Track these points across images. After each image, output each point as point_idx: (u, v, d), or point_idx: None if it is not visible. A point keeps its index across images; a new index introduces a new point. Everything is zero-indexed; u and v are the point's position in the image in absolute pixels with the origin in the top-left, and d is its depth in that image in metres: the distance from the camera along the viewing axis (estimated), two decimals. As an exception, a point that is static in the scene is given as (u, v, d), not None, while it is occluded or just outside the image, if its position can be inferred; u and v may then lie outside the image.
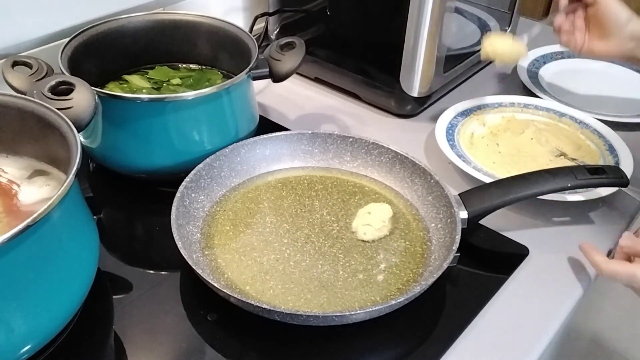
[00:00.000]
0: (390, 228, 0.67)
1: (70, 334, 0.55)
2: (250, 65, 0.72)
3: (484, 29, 0.99)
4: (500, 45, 0.81)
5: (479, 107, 0.89)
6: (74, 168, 0.49)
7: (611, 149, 0.81)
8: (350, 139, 0.75)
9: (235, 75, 0.71)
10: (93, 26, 0.76)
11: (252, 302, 0.53)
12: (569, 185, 0.65)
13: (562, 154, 0.81)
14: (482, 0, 0.97)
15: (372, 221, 0.66)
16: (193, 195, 0.67)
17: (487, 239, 0.69)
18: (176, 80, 0.81)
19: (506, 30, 1.03)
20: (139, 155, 0.70)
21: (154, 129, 0.68)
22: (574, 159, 0.80)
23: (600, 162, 0.79)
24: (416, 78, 0.85)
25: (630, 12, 0.74)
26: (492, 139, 0.83)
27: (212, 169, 0.70)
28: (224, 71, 0.84)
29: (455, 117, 0.86)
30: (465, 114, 0.87)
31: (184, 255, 0.57)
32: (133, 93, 0.77)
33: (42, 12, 0.76)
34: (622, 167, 0.75)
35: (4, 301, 0.46)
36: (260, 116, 0.82)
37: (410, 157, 0.72)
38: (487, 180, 0.72)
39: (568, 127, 0.87)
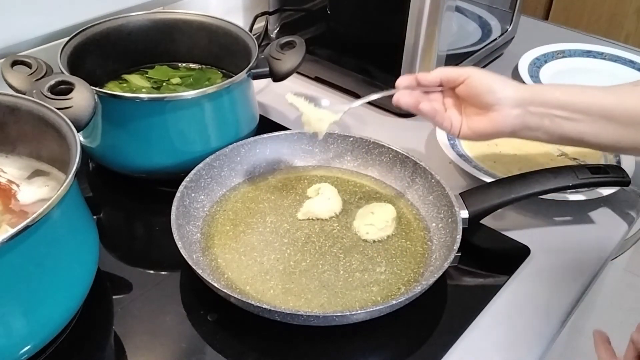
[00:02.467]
0: (394, 229, 0.67)
1: (70, 334, 0.55)
2: (251, 64, 0.72)
3: (485, 27, 0.99)
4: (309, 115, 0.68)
5: None
6: (74, 168, 0.49)
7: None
8: (351, 139, 0.75)
9: (235, 74, 0.71)
10: (92, 25, 0.76)
11: (253, 302, 0.53)
12: (571, 184, 0.65)
13: (564, 154, 0.81)
14: (483, -1, 0.97)
15: (375, 221, 0.66)
16: (193, 195, 0.67)
17: (488, 238, 0.69)
18: (176, 80, 0.81)
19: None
20: (139, 155, 0.70)
21: (154, 129, 0.68)
22: (575, 159, 0.80)
23: (602, 162, 0.79)
24: (417, 77, 0.85)
25: (502, 80, 0.62)
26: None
27: (212, 169, 0.70)
28: (224, 70, 0.84)
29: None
30: None
31: (184, 255, 0.57)
32: (133, 92, 0.77)
33: (41, 12, 0.75)
34: (624, 166, 0.75)
35: (4, 301, 0.46)
36: (261, 115, 0.81)
37: (411, 157, 0.71)
38: (488, 179, 0.71)
39: None
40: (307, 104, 0.67)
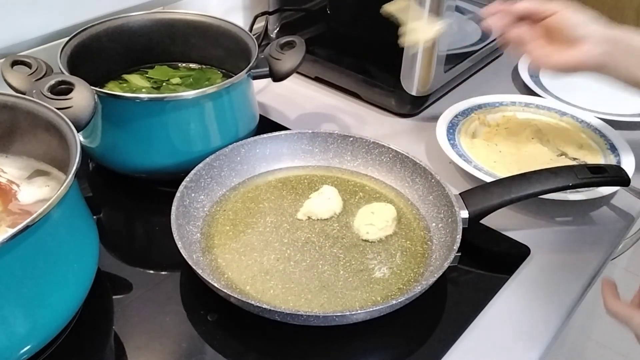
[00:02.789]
0: (394, 229, 0.67)
1: (70, 334, 0.55)
2: (250, 64, 0.72)
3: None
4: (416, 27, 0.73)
5: (480, 107, 0.88)
6: (74, 168, 0.49)
7: (612, 148, 0.81)
8: (351, 138, 0.75)
9: (235, 74, 0.71)
10: (92, 25, 0.76)
11: (253, 302, 0.53)
12: (570, 184, 0.65)
13: (563, 154, 0.81)
14: (482, -1, 0.97)
15: (375, 221, 0.66)
16: (193, 195, 0.67)
17: (488, 238, 0.69)
18: (176, 80, 0.81)
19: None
20: (139, 155, 0.70)
21: (154, 129, 0.68)
22: (575, 159, 0.80)
23: (602, 162, 0.79)
24: (417, 77, 0.85)
25: (591, 16, 0.64)
26: (493, 139, 0.83)
27: (212, 169, 0.70)
28: (223, 70, 0.84)
29: (456, 117, 0.85)
30: (465, 113, 0.87)
31: (184, 255, 0.57)
32: (133, 92, 0.77)
33: (41, 12, 0.75)
34: (624, 166, 0.75)
35: (4, 301, 0.46)
36: (260, 115, 0.81)
37: (410, 157, 0.71)
38: (488, 179, 0.71)
39: (569, 127, 0.87)
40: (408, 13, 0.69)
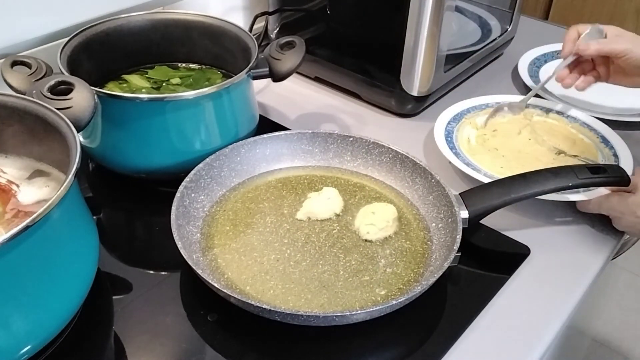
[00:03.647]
0: (395, 229, 0.67)
1: (70, 334, 0.55)
2: (250, 64, 0.72)
3: (485, 27, 0.99)
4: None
5: (477, 108, 0.88)
6: (74, 168, 0.49)
7: (605, 141, 0.82)
8: (351, 139, 0.75)
9: (235, 74, 0.71)
10: (92, 26, 0.76)
11: (253, 302, 0.53)
12: (570, 184, 0.65)
13: (561, 152, 0.81)
14: (482, -1, 0.97)
15: (375, 221, 0.66)
16: (193, 195, 0.67)
17: (488, 238, 0.69)
18: (176, 80, 0.81)
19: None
20: (139, 155, 0.70)
21: (154, 129, 0.68)
22: (575, 156, 0.80)
23: (598, 156, 0.80)
24: (416, 77, 0.85)
25: None
26: (490, 142, 0.83)
27: (212, 169, 0.70)
28: (223, 71, 0.84)
29: (454, 117, 0.85)
30: (463, 114, 0.87)
31: (184, 255, 0.57)
32: (133, 93, 0.77)
33: (41, 12, 0.75)
34: (623, 165, 0.75)
35: (4, 301, 0.46)
36: (260, 116, 0.81)
37: (410, 157, 0.71)
38: (487, 180, 0.71)
39: (557, 122, 0.87)
40: None
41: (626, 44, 0.76)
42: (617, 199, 0.67)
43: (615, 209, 0.68)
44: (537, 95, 0.93)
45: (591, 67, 0.83)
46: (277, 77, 0.76)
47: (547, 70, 1.02)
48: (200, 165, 0.68)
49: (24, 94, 0.57)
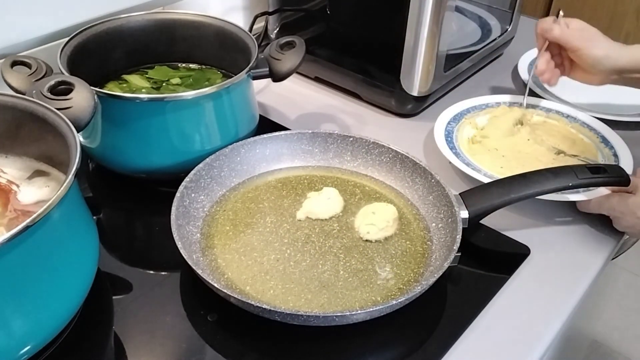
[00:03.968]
0: (395, 229, 0.67)
1: (70, 334, 0.55)
2: (250, 64, 0.72)
3: (485, 27, 0.99)
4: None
5: (477, 108, 0.88)
6: (74, 168, 0.49)
7: (605, 141, 0.82)
8: (351, 139, 0.75)
9: (235, 74, 0.71)
10: (92, 26, 0.76)
11: (253, 303, 0.53)
12: (570, 184, 0.65)
13: (561, 152, 0.81)
14: (482, -1, 0.97)
15: (376, 221, 0.66)
16: (193, 195, 0.67)
17: (488, 238, 0.69)
18: (176, 80, 0.81)
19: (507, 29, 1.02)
20: (139, 155, 0.70)
21: (154, 129, 0.68)
22: (574, 156, 0.80)
23: (598, 155, 0.80)
24: (416, 77, 0.85)
25: (606, 46, 0.78)
26: (490, 142, 0.83)
27: (212, 169, 0.70)
28: (223, 71, 0.84)
29: (454, 117, 0.85)
30: (463, 114, 0.87)
31: (184, 255, 0.57)
32: (132, 93, 0.77)
33: (41, 12, 0.75)
34: (622, 165, 0.75)
35: (4, 301, 0.46)
36: (260, 116, 0.81)
37: (410, 157, 0.71)
38: (487, 180, 0.71)
39: (557, 122, 0.87)
40: None
41: (582, 42, 0.78)
42: (618, 199, 0.67)
43: (615, 209, 0.68)
44: (537, 95, 0.93)
45: (560, 61, 0.84)
46: (277, 77, 0.76)
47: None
48: (200, 165, 0.68)
49: (24, 94, 0.57)
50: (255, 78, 0.75)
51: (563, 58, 0.84)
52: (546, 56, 0.82)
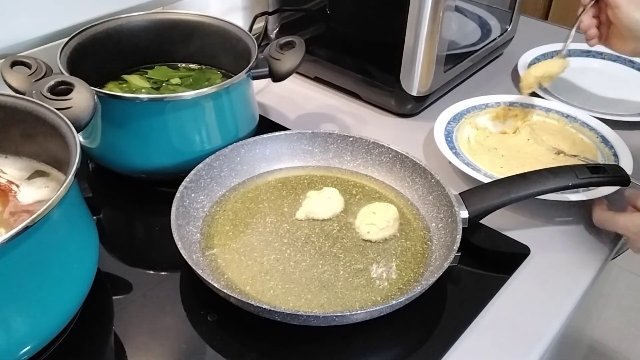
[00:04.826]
0: (395, 229, 0.67)
1: (70, 334, 0.55)
2: (250, 64, 0.72)
3: (484, 27, 0.99)
4: (544, 70, 0.86)
5: (477, 108, 0.88)
6: (73, 168, 0.49)
7: (605, 141, 0.81)
8: (351, 139, 0.75)
9: (235, 74, 0.71)
10: (92, 26, 0.76)
11: (252, 303, 0.53)
12: (570, 184, 0.65)
13: (561, 152, 0.81)
14: (482, -1, 0.97)
15: (376, 221, 0.66)
16: (193, 195, 0.67)
17: (488, 238, 0.69)
18: (175, 80, 0.81)
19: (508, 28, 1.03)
20: (139, 155, 0.70)
21: (154, 129, 0.68)
22: (574, 156, 0.80)
23: (598, 155, 0.80)
24: (416, 77, 0.85)
25: None
26: (490, 142, 0.83)
27: (212, 169, 0.70)
28: (223, 71, 0.84)
29: (454, 117, 0.85)
30: (463, 114, 0.87)
31: (184, 255, 0.57)
32: (132, 93, 0.77)
33: (40, 12, 0.75)
34: (622, 165, 0.75)
35: (4, 302, 0.46)
36: (260, 116, 0.81)
37: (410, 157, 0.71)
38: (487, 180, 0.71)
39: (557, 122, 0.87)
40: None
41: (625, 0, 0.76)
42: (633, 220, 0.65)
43: (630, 230, 0.65)
44: (537, 95, 0.93)
45: (598, 25, 0.82)
46: (277, 77, 0.76)
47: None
48: (200, 165, 0.68)
49: (24, 94, 0.57)
50: (255, 78, 0.75)
51: (601, 24, 0.82)
52: (591, 12, 0.81)
